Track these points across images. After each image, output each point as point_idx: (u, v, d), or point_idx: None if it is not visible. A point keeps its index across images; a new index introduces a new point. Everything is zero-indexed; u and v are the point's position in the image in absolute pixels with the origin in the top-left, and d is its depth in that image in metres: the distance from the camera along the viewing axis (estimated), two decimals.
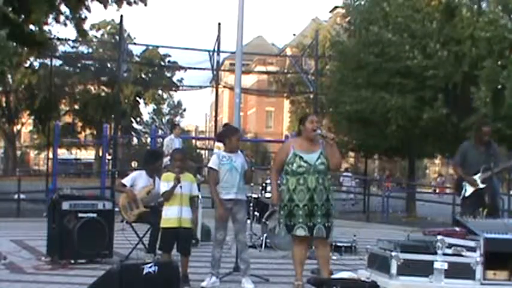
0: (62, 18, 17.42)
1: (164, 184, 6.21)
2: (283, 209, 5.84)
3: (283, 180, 5.92)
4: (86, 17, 17.70)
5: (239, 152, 6.46)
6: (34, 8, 14.96)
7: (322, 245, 5.93)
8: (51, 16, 16.63)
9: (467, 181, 7.64)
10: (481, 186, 7.56)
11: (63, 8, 17.39)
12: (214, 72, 20.40)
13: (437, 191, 29.31)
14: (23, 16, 15.38)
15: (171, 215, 6.12)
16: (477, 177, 7.57)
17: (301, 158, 5.78)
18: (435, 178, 47.19)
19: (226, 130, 6.76)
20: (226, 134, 6.59)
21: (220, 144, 11.87)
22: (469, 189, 7.63)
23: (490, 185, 7.59)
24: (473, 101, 14.82)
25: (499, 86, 14.53)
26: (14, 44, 13.34)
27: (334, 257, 7.89)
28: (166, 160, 11.48)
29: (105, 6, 17.56)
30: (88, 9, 17.53)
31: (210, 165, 6.50)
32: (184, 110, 62.79)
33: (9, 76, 38.81)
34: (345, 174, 24.87)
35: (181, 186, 6.11)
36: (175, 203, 6.12)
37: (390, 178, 32.37)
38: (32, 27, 16.60)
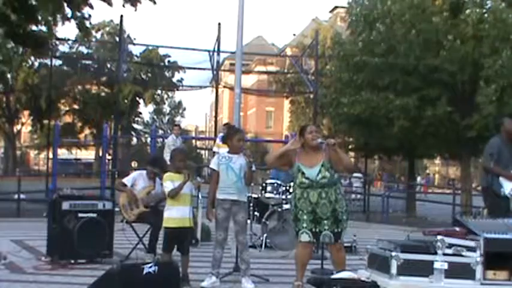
0: (64, 17, 17.37)
1: (168, 184, 6.15)
2: (292, 213, 5.97)
3: (292, 188, 5.97)
4: (90, 15, 17.64)
5: (242, 153, 6.44)
6: (41, 7, 14.95)
7: (335, 250, 5.92)
8: (58, 16, 16.58)
9: (508, 178, 7.31)
10: None
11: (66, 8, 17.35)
12: (214, 72, 20.39)
13: (435, 190, 29.31)
14: (23, 16, 15.37)
15: (182, 214, 6.10)
16: None
17: (303, 174, 5.76)
18: (423, 178, 47.06)
19: (228, 131, 6.82)
20: (228, 135, 6.63)
21: (220, 143, 11.91)
22: (507, 187, 7.29)
23: None
24: (478, 98, 14.81)
25: (504, 83, 14.55)
26: (13, 43, 13.35)
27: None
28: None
29: (110, 4, 17.44)
30: (91, 6, 17.49)
31: (210, 165, 6.59)
32: (184, 109, 62.85)
33: (9, 76, 38.82)
34: (355, 175, 24.60)
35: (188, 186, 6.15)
36: (186, 203, 6.13)
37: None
38: (33, 27, 16.61)
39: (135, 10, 18.12)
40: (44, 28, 17.19)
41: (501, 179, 7.41)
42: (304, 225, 5.76)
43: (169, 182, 6.15)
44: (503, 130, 7.68)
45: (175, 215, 6.11)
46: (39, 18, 15.81)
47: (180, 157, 6.31)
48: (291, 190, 8.98)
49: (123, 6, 17.73)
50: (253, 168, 6.49)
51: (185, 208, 6.12)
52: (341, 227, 5.79)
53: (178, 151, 6.81)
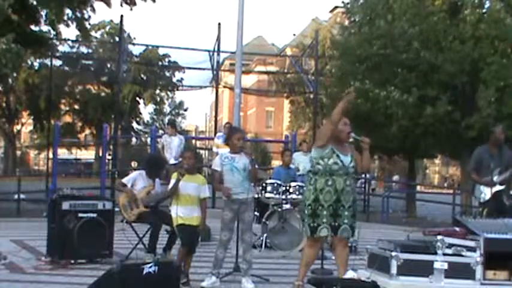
0: (65, 18, 17.39)
1: (172, 182, 6.36)
2: (306, 209, 5.78)
3: (310, 180, 5.83)
4: (89, 17, 17.69)
5: (243, 152, 6.44)
6: (42, 7, 14.98)
7: (342, 246, 5.88)
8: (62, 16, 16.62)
9: (485, 184, 7.74)
10: (500, 188, 7.68)
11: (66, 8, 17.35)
12: (214, 72, 20.39)
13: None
14: (24, 16, 15.37)
15: (185, 213, 6.28)
16: (495, 179, 7.68)
17: (338, 156, 5.75)
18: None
19: (229, 131, 6.87)
20: (228, 135, 6.66)
21: (219, 143, 11.90)
22: (488, 193, 7.73)
23: (508, 187, 7.74)
24: (477, 100, 14.81)
25: (502, 84, 14.55)
26: (19, 46, 13.34)
27: (334, 257, 7.87)
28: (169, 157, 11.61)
29: (109, 5, 17.49)
30: (93, 8, 17.53)
31: (212, 166, 6.60)
32: (186, 110, 62.83)
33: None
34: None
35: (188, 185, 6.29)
36: (188, 203, 6.31)
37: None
38: (33, 27, 16.62)
39: (131, 9, 18.17)
40: (44, 28, 17.21)
41: (482, 186, 7.86)
42: (324, 220, 5.67)
43: (173, 180, 6.31)
44: (493, 138, 8.01)
45: (178, 213, 6.25)
46: (43, 18, 15.87)
47: (186, 155, 6.53)
48: (291, 190, 9.00)
49: (121, 5, 17.76)
50: (256, 166, 6.51)
51: (188, 207, 6.24)
52: (356, 223, 5.84)
53: (187, 151, 7.01)
